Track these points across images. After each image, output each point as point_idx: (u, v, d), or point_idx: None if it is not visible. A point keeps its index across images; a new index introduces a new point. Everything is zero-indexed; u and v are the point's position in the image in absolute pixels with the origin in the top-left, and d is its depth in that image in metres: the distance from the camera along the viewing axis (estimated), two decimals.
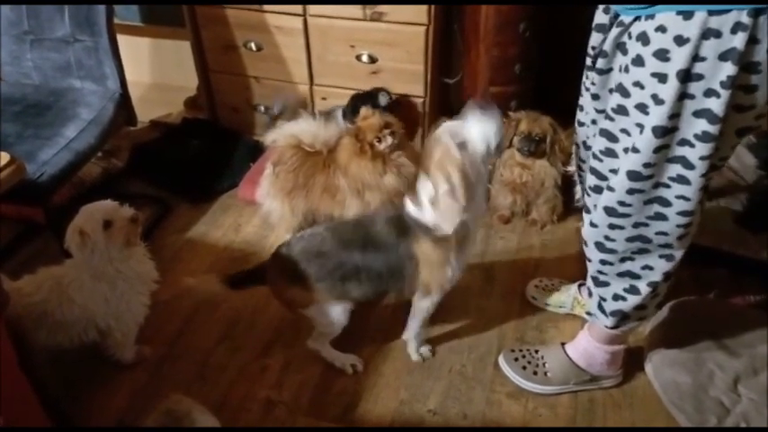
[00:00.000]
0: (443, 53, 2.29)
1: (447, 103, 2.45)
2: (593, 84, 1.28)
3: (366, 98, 2.14)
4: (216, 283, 1.60)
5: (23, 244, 2.01)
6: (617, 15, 1.14)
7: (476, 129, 1.33)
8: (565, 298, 1.77)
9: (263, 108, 2.48)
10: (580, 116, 1.42)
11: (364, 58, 2.22)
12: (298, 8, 2.19)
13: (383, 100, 2.13)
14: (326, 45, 2.24)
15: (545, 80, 2.36)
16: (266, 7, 2.22)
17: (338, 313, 1.54)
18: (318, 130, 1.93)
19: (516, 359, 1.59)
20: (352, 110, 2.16)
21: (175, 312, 1.81)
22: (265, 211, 2.04)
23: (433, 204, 1.37)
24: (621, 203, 1.20)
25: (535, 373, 1.56)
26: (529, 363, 1.58)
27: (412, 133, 2.27)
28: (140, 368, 1.64)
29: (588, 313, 1.74)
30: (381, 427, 1.49)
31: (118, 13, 2.50)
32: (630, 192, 1.17)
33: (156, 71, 2.97)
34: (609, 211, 1.22)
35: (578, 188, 1.67)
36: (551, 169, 2.05)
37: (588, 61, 1.33)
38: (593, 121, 1.35)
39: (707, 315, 1.68)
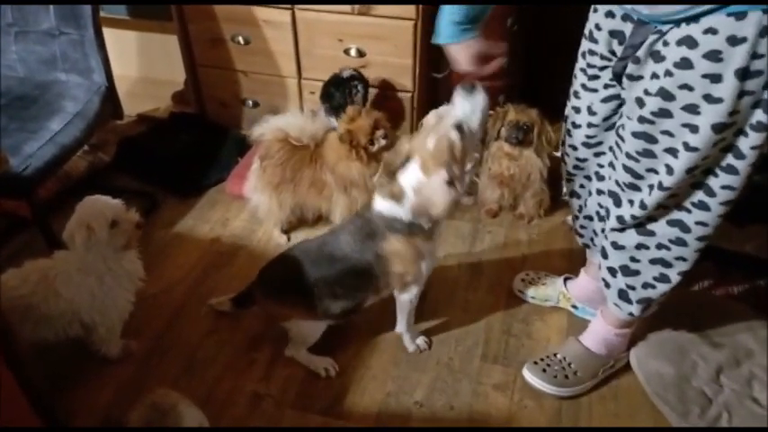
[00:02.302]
0: (432, 47, 2.28)
1: (435, 98, 2.45)
2: (621, 88, 1.25)
3: (338, 83, 2.14)
4: (230, 305, 1.74)
5: (8, 238, 2.00)
6: (642, 22, 1.12)
7: (463, 106, 1.34)
8: (551, 291, 1.79)
9: (250, 102, 2.48)
10: (575, 118, 1.41)
11: (352, 52, 2.21)
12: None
13: (346, 73, 2.13)
14: (314, 39, 2.24)
15: (533, 75, 2.37)
16: None
17: (315, 329, 1.59)
18: (305, 123, 1.93)
19: (544, 370, 1.56)
20: (326, 97, 2.17)
21: (163, 306, 1.81)
22: (253, 206, 2.04)
23: (419, 193, 1.36)
24: (671, 193, 1.21)
25: (567, 377, 1.55)
26: (556, 369, 1.56)
27: (396, 125, 2.28)
28: (127, 362, 1.64)
29: (574, 306, 1.77)
30: (379, 428, 1.49)
31: (104, 6, 2.49)
32: (684, 180, 1.19)
33: (143, 65, 2.95)
34: (657, 206, 1.24)
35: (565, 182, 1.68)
36: (538, 161, 2.06)
37: (597, 62, 1.29)
38: (603, 119, 1.34)
39: (691, 307, 1.69)
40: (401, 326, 1.65)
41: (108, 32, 2.05)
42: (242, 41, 2.32)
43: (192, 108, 2.63)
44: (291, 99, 2.43)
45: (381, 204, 1.44)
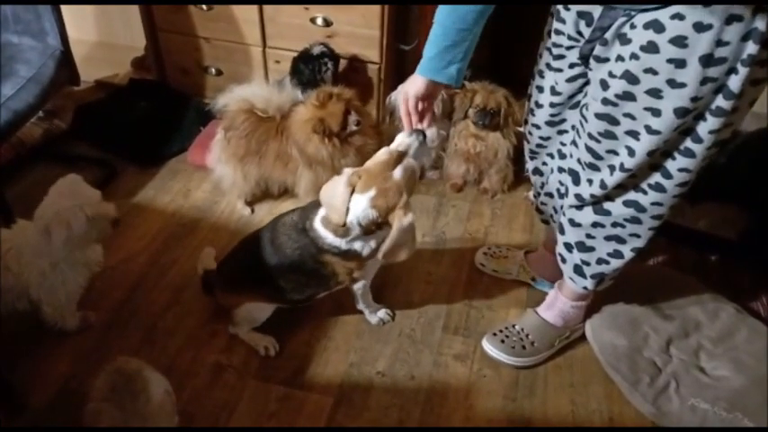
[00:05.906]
0: (400, 19, 2.27)
1: (403, 70, 2.44)
2: (588, 69, 1.26)
3: (307, 59, 2.11)
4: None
5: None
6: (611, 6, 1.12)
7: (421, 148, 1.35)
8: (511, 265, 1.82)
9: (213, 70, 2.42)
10: (539, 97, 1.42)
11: (319, 21, 2.18)
12: None
13: (317, 50, 2.10)
14: (280, 6, 2.19)
15: (500, 50, 2.37)
16: None
17: (263, 312, 1.58)
18: (271, 95, 1.90)
19: (502, 341, 1.60)
20: (295, 72, 2.14)
21: (123, 278, 1.78)
22: (217, 177, 2.01)
23: (367, 231, 1.35)
24: (631, 175, 1.24)
25: (524, 347, 1.58)
26: (514, 340, 1.59)
27: (365, 100, 2.26)
28: (86, 334, 1.61)
29: (533, 279, 1.81)
30: (379, 428, 1.49)
31: None
32: (644, 162, 1.21)
33: (102, 29, 2.85)
34: (616, 186, 1.27)
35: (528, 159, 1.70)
36: (504, 141, 2.08)
37: (563, 42, 1.28)
38: (568, 97, 1.36)
39: (644, 280, 1.75)
40: (360, 305, 1.67)
41: None
42: (204, 6, 2.25)
43: (152, 75, 2.56)
44: (256, 68, 2.38)
45: (322, 230, 1.39)
